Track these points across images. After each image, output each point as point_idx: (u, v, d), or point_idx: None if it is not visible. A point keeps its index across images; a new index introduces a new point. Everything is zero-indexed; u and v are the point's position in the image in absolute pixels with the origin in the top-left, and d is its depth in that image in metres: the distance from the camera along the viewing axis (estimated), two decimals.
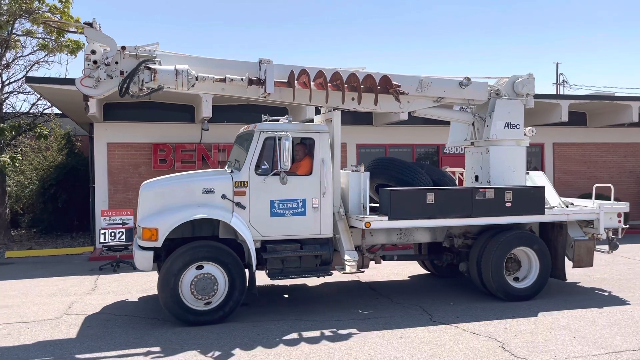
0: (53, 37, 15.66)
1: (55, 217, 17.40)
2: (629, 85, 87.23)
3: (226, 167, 8.35)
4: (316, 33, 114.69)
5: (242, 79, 7.34)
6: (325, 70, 7.76)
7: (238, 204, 7.36)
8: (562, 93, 35.26)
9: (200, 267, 7.00)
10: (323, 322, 7.18)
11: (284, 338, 6.51)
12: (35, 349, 6.25)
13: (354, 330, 6.75)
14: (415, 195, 7.77)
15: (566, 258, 8.68)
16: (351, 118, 15.71)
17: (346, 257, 7.51)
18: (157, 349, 6.16)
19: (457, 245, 8.46)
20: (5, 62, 16.42)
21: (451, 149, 16.26)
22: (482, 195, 7.95)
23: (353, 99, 7.79)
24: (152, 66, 6.93)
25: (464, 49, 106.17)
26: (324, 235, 7.73)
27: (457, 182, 10.48)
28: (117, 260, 11.27)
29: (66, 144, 18.66)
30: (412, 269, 10.72)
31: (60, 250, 13.97)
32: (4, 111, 16.48)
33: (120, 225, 11.57)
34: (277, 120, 7.95)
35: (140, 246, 7.13)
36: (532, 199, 8.21)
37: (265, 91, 7.43)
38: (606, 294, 8.65)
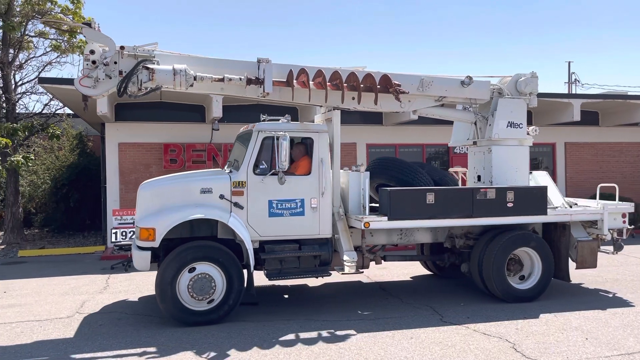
0: (65, 38, 15.81)
1: (67, 216, 17.55)
2: None
3: (226, 166, 8.31)
4: (320, 33, 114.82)
5: (240, 79, 7.31)
6: (324, 70, 7.72)
7: (236, 204, 7.32)
8: (574, 92, 34.96)
9: (192, 270, 6.97)
10: (333, 322, 7.17)
11: (293, 338, 6.51)
12: (47, 347, 6.31)
13: (364, 331, 6.74)
14: (415, 195, 7.71)
15: (569, 259, 8.57)
16: (361, 118, 15.71)
17: (345, 257, 7.46)
18: (168, 347, 6.20)
19: (459, 245, 8.39)
20: (18, 63, 16.61)
21: (461, 148, 16.18)
22: (483, 196, 7.87)
23: (353, 98, 7.74)
24: (150, 66, 6.93)
25: (473, 49, 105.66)
26: (322, 236, 7.69)
27: (460, 182, 10.42)
28: (129, 259, 11.29)
29: (78, 144, 18.82)
30: (421, 269, 10.69)
31: (72, 250, 14.10)
32: (17, 112, 16.66)
33: (132, 225, 11.65)
34: (278, 120, 7.91)
35: (138, 246, 7.13)
36: (534, 199, 8.12)
37: (264, 91, 7.40)
38: (617, 295, 8.55)
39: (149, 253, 7.02)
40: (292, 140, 7.89)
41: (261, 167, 7.44)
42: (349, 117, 15.32)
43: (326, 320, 7.26)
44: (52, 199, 17.74)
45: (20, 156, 14.77)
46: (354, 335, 6.57)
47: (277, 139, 7.20)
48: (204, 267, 7.03)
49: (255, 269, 7.37)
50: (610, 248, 8.77)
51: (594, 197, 9.24)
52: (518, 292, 8.06)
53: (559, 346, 6.14)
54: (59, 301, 8.56)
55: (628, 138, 18.23)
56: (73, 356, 6.01)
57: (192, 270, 6.98)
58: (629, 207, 8.73)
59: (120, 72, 6.99)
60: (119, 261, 11.54)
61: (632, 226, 9.02)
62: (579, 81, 37.60)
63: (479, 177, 8.96)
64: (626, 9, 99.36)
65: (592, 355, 5.87)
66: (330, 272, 7.76)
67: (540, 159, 18.00)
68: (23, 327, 7.15)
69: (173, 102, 14.39)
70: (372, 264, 8.41)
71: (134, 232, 11.44)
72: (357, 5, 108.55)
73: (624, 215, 8.63)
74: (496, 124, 8.61)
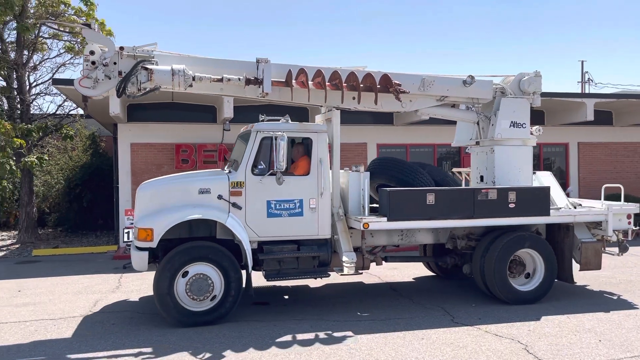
0: (79, 40, 15.97)
1: (81, 216, 17.73)
2: None
3: (226, 166, 8.29)
4: (320, 33, 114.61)
5: (239, 79, 7.30)
6: (323, 70, 7.68)
7: (234, 205, 7.29)
8: (587, 92, 34.63)
9: (185, 274, 6.94)
10: (344, 322, 7.18)
11: (305, 337, 6.53)
12: (61, 346, 6.38)
13: (375, 331, 6.73)
14: (415, 195, 7.65)
15: (574, 260, 8.46)
16: (372, 118, 15.69)
17: (344, 258, 7.42)
18: (179, 346, 6.24)
19: (460, 246, 8.32)
20: (32, 64, 16.81)
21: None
22: (484, 196, 7.80)
23: (353, 98, 7.70)
24: (149, 66, 6.93)
25: (483, 49, 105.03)
26: (321, 236, 7.64)
27: (464, 182, 10.35)
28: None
29: (91, 145, 19.01)
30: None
31: (85, 249, 14.24)
32: (31, 112, 16.87)
33: None
34: (278, 120, 7.88)
35: (136, 246, 7.13)
36: (537, 199, 8.02)
37: (262, 91, 7.38)
38: (630, 297, 8.46)
39: (146, 253, 7.01)
40: (292, 140, 7.89)
41: (260, 167, 7.40)
42: (360, 117, 15.31)
43: (337, 320, 7.26)
44: (66, 199, 17.94)
45: (35, 157, 14.97)
46: (365, 335, 6.57)
47: (276, 139, 7.17)
48: (201, 268, 7.00)
49: (254, 269, 7.34)
50: (616, 250, 8.65)
51: (607, 198, 9.13)
52: (520, 294, 7.97)
53: (572, 348, 6.10)
54: (73, 300, 8.65)
55: None
56: (87, 355, 6.07)
57: (185, 274, 6.94)
58: (634, 207, 8.60)
59: (120, 73, 7.00)
60: (130, 261, 11.71)
61: (638, 227, 8.88)
62: (592, 80, 37.08)
63: (481, 178, 8.87)
64: None
65: (605, 357, 5.81)
66: (329, 273, 7.70)
67: (552, 159, 17.85)
68: (37, 326, 7.23)
69: (185, 102, 14.48)
70: (375, 265, 8.35)
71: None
72: (359, 4, 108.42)
73: (629, 216, 8.49)
74: (499, 123, 8.52)
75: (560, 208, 8.51)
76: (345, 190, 8.01)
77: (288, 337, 6.53)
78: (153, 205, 7.24)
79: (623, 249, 8.61)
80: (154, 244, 6.95)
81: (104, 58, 6.94)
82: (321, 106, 8.44)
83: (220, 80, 7.25)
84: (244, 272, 7.25)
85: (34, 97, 17.29)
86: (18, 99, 16.17)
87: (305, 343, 6.34)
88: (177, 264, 6.92)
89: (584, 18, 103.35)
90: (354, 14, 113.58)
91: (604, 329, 6.79)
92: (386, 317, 7.38)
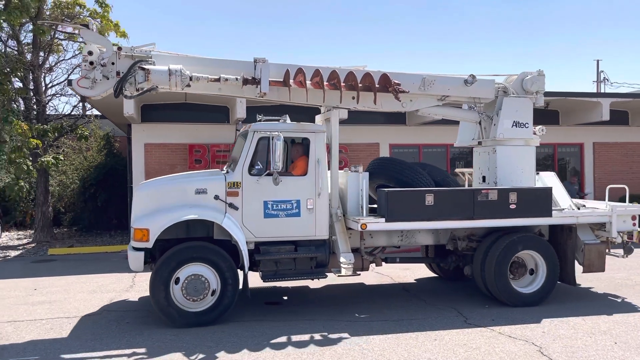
0: None
1: (95, 215, 17.92)
2: None
3: (225, 166, 8.25)
4: (321, 32, 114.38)
5: (236, 79, 7.27)
6: (322, 69, 7.62)
7: (231, 205, 7.26)
8: (602, 91, 34.24)
9: (178, 280, 6.92)
10: (355, 322, 7.17)
11: (317, 338, 6.53)
12: (76, 344, 6.45)
13: (387, 332, 6.71)
14: (413, 196, 7.57)
15: (577, 262, 8.31)
16: (384, 118, 15.68)
17: (341, 259, 7.36)
18: (193, 346, 6.28)
19: (461, 248, 8.22)
20: (48, 65, 17.02)
21: None
22: (484, 197, 7.69)
23: (353, 97, 7.64)
24: (146, 66, 6.93)
25: (496, 48, 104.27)
26: (319, 237, 7.58)
27: (467, 183, 10.26)
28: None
29: (105, 145, 19.20)
30: None
31: (99, 248, 14.40)
32: (47, 113, 17.09)
33: None
34: (278, 120, 7.85)
35: (133, 247, 7.13)
36: (538, 200, 7.89)
37: (260, 91, 7.35)
38: None
39: (142, 254, 7.00)
40: (293, 140, 7.88)
41: (257, 167, 7.38)
42: (372, 117, 15.32)
43: (349, 320, 7.26)
44: (81, 199, 18.14)
45: (50, 157, 15.16)
46: (377, 336, 6.55)
47: (272, 139, 7.13)
48: (196, 268, 6.97)
49: (251, 270, 7.31)
50: (621, 251, 8.50)
51: (623, 199, 8.99)
52: (521, 296, 7.87)
53: (587, 350, 6.03)
54: (87, 299, 8.75)
55: None
56: (101, 353, 6.13)
57: (178, 280, 6.93)
58: (638, 209, 8.44)
59: (118, 73, 6.99)
60: None
61: None
62: (607, 80, 36.71)
63: (483, 178, 8.76)
64: None
65: (620, 359, 5.74)
66: (327, 274, 7.65)
67: (567, 159, 17.69)
68: (53, 324, 7.32)
69: (198, 103, 14.57)
70: (375, 266, 8.30)
71: None
72: (360, 5, 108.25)
73: (633, 218, 8.30)
74: (501, 123, 8.41)
75: (563, 209, 8.40)
76: (344, 190, 7.95)
77: (301, 337, 6.53)
78: (150, 205, 7.22)
79: (628, 251, 8.44)
80: (149, 245, 6.94)
81: (102, 58, 6.93)
82: (320, 106, 8.39)
83: (218, 80, 7.22)
84: (241, 273, 7.22)
85: (49, 98, 17.52)
86: (34, 100, 16.39)
87: (318, 343, 6.34)
88: (173, 264, 6.91)
89: (600, 16, 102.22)
90: (355, 14, 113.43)
91: (619, 331, 6.71)
92: (399, 318, 7.36)
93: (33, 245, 15.57)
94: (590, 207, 8.70)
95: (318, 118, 8.84)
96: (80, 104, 17.91)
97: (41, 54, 16.42)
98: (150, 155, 14.81)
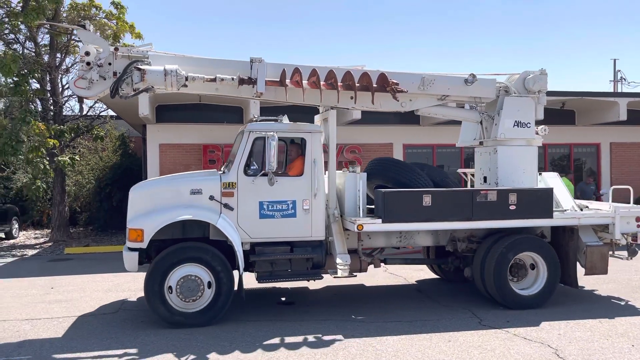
0: (109, 43, 16.27)
1: (111, 215, 18.08)
2: None
3: (223, 166, 8.19)
4: (321, 33, 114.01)
5: (232, 79, 7.24)
6: (319, 69, 7.55)
7: (226, 205, 7.21)
8: (619, 91, 33.80)
9: (170, 283, 6.91)
10: (370, 323, 7.16)
11: (331, 338, 6.53)
12: (92, 342, 6.52)
13: (401, 333, 6.69)
14: (410, 197, 7.48)
15: (579, 264, 8.18)
16: (398, 118, 15.62)
17: (338, 260, 7.30)
18: (205, 346, 6.32)
19: (461, 249, 8.12)
20: (65, 67, 17.24)
21: None
22: (483, 198, 7.58)
23: (351, 97, 7.59)
24: (142, 66, 6.94)
25: (511, 46, 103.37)
26: (315, 238, 7.51)
27: (469, 183, 10.16)
28: None
29: (121, 145, 19.39)
30: None
31: (114, 248, 14.51)
32: (63, 114, 17.30)
33: None
34: (275, 120, 7.82)
35: (128, 247, 7.15)
36: (539, 201, 7.77)
37: (257, 91, 7.32)
38: None
39: (136, 254, 7.00)
40: (291, 140, 7.86)
41: (252, 167, 7.35)
42: (386, 118, 15.27)
43: (363, 321, 7.25)
44: (96, 199, 18.33)
45: (67, 157, 15.36)
46: (391, 337, 6.53)
47: (267, 139, 7.11)
48: (190, 269, 6.96)
49: (246, 270, 7.28)
50: (625, 253, 8.35)
51: (638, 201, 8.84)
52: (521, 299, 7.76)
53: (604, 353, 5.96)
54: (103, 297, 8.84)
55: None
56: (117, 352, 6.19)
57: (170, 283, 6.92)
58: None
59: (115, 74, 7.01)
60: None
61: None
62: (625, 79, 36.21)
63: (485, 179, 8.65)
64: None
65: None
66: (323, 275, 7.62)
67: (583, 159, 17.49)
68: (69, 322, 7.41)
69: (212, 103, 14.66)
70: (373, 267, 8.26)
71: None
72: (360, 5, 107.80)
73: (638, 219, 8.14)
74: (502, 123, 8.29)
75: (565, 210, 8.27)
76: (342, 191, 7.90)
77: (314, 337, 6.54)
78: (145, 206, 7.22)
79: (632, 253, 8.29)
80: (144, 245, 6.95)
81: (99, 59, 6.96)
82: (318, 106, 8.36)
83: (214, 80, 7.19)
84: (236, 273, 7.17)
85: (66, 99, 17.72)
86: (51, 101, 16.60)
87: (331, 343, 6.33)
88: (166, 265, 6.92)
89: (617, 15, 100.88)
90: (355, 14, 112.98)
91: (637, 333, 6.62)
92: (412, 319, 7.33)
93: (50, 244, 15.78)
94: (593, 209, 8.59)
95: (317, 118, 8.81)
96: (92, 105, 18.09)
97: (58, 55, 16.63)
98: (165, 156, 14.93)
